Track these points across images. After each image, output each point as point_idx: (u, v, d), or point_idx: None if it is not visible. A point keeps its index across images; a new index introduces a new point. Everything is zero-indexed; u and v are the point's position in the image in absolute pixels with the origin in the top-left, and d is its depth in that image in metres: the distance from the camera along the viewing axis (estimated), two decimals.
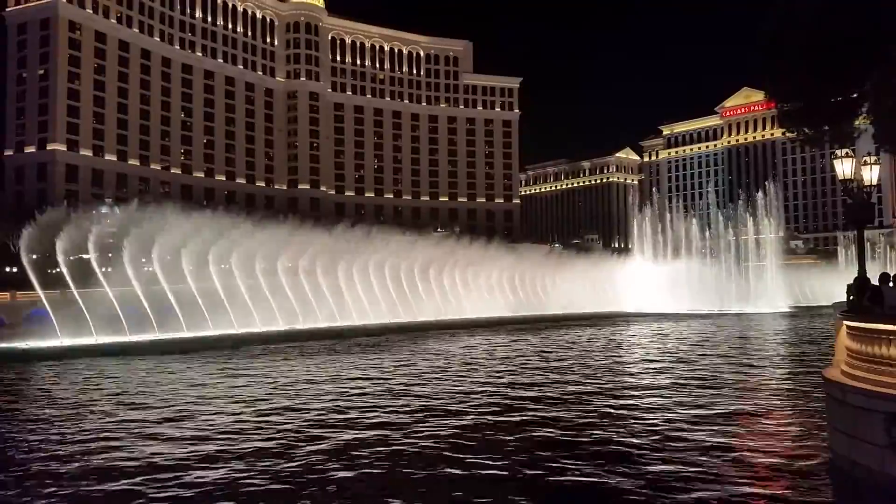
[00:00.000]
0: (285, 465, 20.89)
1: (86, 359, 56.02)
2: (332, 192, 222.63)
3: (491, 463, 20.71)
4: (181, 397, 34.98)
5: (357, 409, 30.25)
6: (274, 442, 24.12)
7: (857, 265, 26.02)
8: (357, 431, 25.59)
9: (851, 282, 24.71)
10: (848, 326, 19.86)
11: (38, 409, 32.86)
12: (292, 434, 25.35)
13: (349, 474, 19.94)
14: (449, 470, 20.12)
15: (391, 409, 30.33)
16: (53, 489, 19.12)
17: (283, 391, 36.43)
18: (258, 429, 26.47)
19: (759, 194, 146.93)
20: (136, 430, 26.72)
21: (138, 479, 19.68)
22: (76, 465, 21.63)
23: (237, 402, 33.17)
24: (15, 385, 42.73)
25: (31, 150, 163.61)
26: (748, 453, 21.12)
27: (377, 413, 29.29)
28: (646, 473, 19.04)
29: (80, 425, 28.17)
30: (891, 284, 21.83)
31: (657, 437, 23.57)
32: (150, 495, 18.29)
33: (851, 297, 24.48)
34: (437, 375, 41.91)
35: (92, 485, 19.55)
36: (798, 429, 24.21)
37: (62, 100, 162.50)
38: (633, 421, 26.49)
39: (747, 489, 17.60)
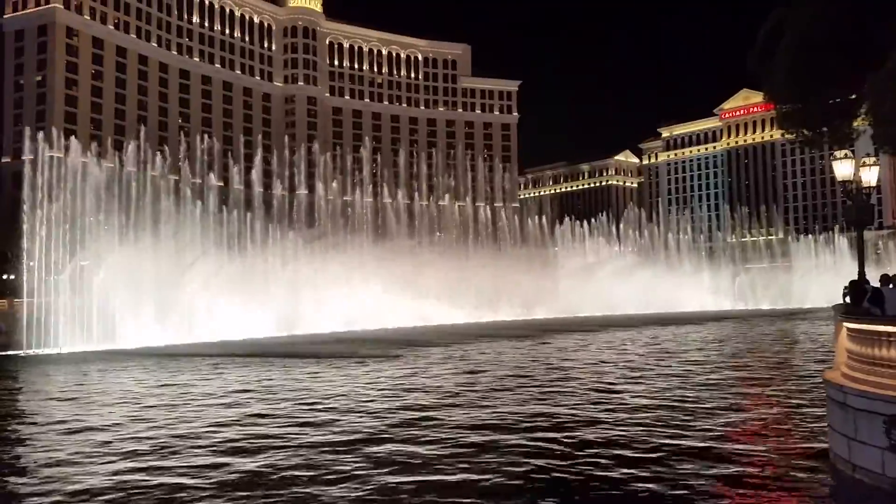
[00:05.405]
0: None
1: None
2: (331, 196, 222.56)
3: None
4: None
5: None
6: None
7: (858, 266, 25.96)
8: None
9: (848, 283, 24.61)
10: (848, 328, 19.72)
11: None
12: None
13: None
14: None
15: None
16: None
17: None
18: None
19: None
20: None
21: None
22: None
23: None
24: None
25: (28, 156, 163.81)
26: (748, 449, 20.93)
27: None
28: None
29: None
30: (891, 286, 21.74)
31: None
32: None
33: (847, 299, 24.38)
34: None
35: None
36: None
37: (59, 106, 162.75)
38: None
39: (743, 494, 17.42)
